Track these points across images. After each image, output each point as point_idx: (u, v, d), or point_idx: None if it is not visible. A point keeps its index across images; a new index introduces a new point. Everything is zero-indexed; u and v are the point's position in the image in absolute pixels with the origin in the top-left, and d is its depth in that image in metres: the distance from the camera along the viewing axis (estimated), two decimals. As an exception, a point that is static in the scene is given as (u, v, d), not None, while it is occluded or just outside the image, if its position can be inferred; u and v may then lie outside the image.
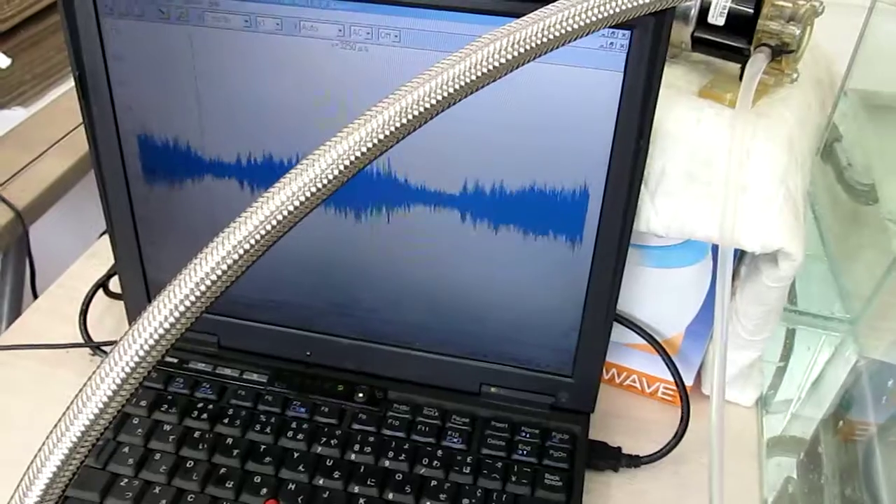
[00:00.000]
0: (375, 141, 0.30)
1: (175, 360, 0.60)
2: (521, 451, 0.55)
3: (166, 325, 0.26)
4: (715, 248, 0.51)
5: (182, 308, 0.27)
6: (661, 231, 0.49)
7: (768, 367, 0.62)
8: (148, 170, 0.55)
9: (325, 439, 0.55)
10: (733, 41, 0.48)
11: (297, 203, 0.29)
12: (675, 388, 0.59)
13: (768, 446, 0.57)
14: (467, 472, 0.53)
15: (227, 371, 0.60)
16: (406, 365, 0.58)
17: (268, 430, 0.56)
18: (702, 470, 0.57)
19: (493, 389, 0.58)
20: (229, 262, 0.28)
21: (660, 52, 0.44)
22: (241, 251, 0.29)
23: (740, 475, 0.57)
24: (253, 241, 0.29)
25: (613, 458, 0.56)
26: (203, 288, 0.27)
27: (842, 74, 0.58)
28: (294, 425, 0.56)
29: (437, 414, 0.57)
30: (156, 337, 0.26)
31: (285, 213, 0.29)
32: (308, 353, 0.59)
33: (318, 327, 0.59)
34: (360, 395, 0.58)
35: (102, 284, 0.66)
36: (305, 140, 0.50)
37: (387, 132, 0.31)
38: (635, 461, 0.56)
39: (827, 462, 0.50)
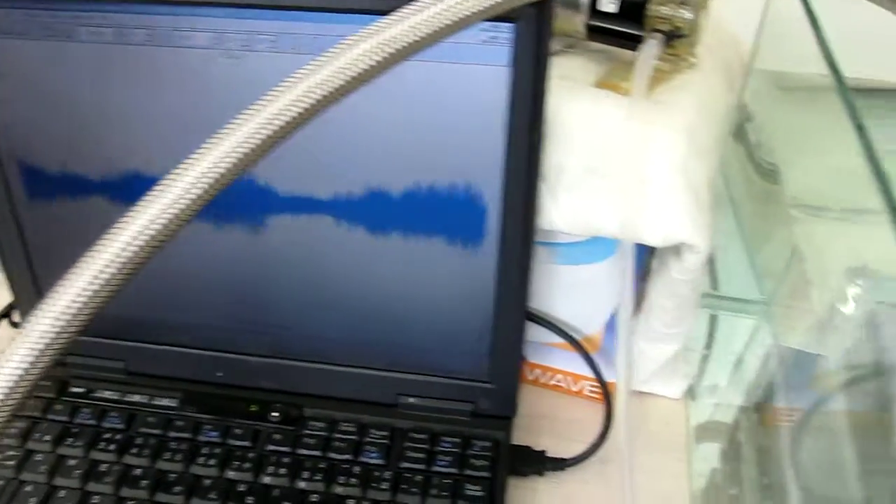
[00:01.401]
0: (236, 158, 0.29)
1: (82, 390, 0.58)
2: (441, 462, 0.53)
3: (24, 365, 0.24)
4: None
5: (41, 345, 0.25)
6: (564, 228, 0.48)
7: (696, 356, 0.60)
8: (33, 192, 0.52)
9: (238, 463, 0.53)
10: (626, 28, 0.46)
11: (157, 226, 0.28)
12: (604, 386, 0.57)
13: (696, 438, 0.56)
14: (385, 487, 0.51)
15: (137, 398, 0.57)
16: (321, 380, 0.56)
17: (178, 457, 0.53)
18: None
19: (411, 400, 0.56)
20: (84, 297, 0.26)
21: (545, 43, 0.43)
22: (97, 284, 0.27)
23: (668, 469, 0.55)
24: (109, 273, 0.27)
25: (538, 463, 0.55)
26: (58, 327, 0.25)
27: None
28: (206, 450, 0.54)
29: (354, 429, 0.55)
30: (14, 377, 0.24)
31: (146, 236, 0.28)
32: (219, 374, 0.57)
33: (227, 346, 0.56)
34: (275, 414, 0.56)
35: (6, 314, 0.63)
36: (190, 153, 0.48)
37: (248, 147, 0.29)
38: (560, 464, 0.54)
39: (747, 450, 0.49)
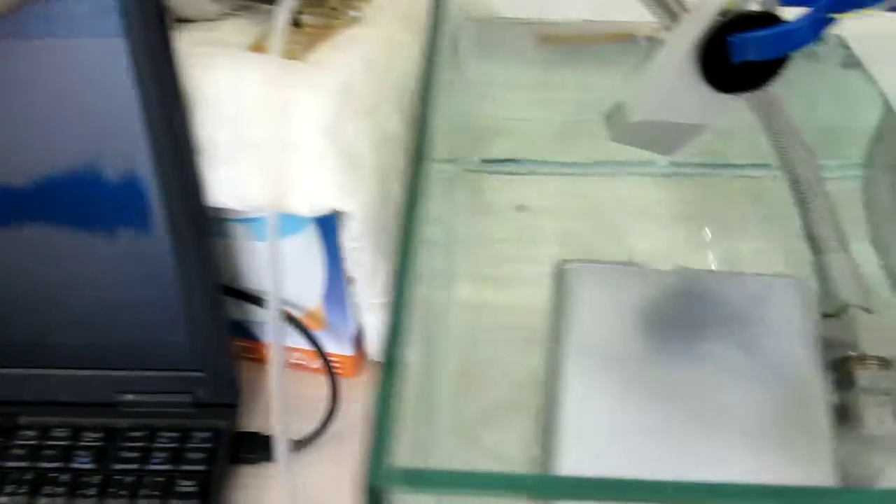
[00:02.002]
0: None
1: None
2: (156, 460, 0.50)
3: None
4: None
5: None
6: (231, 204, 0.45)
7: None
8: None
9: (-64, 485, 0.50)
10: (268, -15, 0.44)
11: None
12: (343, 360, 0.55)
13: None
14: (93, 493, 0.49)
15: None
16: (34, 385, 0.53)
17: None
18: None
19: (129, 397, 0.53)
20: None
21: (159, 7, 0.39)
22: None
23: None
24: None
25: (265, 448, 0.52)
26: None
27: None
28: None
29: (67, 434, 0.52)
30: None
31: None
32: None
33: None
34: (-16, 427, 0.52)
35: None
36: None
37: None
38: (290, 447, 0.52)
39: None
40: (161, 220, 0.45)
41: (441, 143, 0.46)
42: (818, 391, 0.38)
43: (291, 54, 0.43)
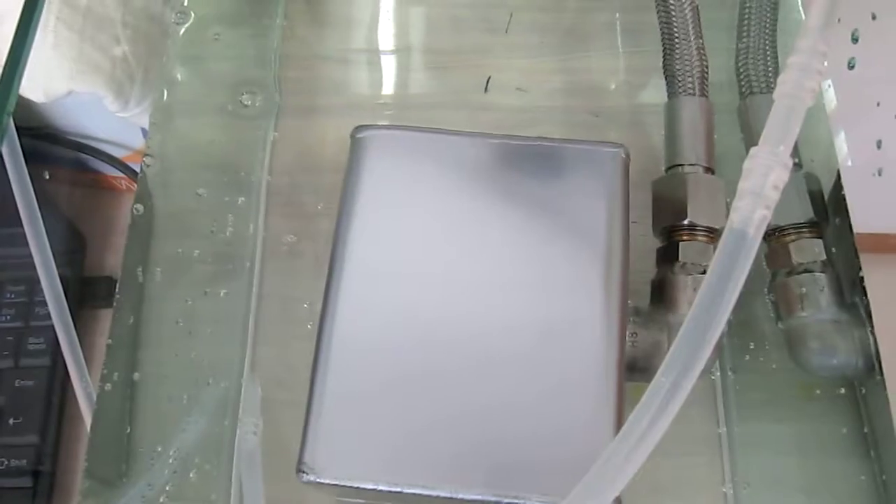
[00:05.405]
0: None
1: None
2: (2, 318, 0.49)
3: None
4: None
5: None
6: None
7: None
8: None
9: None
10: None
11: None
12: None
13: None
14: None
15: None
16: None
17: None
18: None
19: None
20: None
21: None
22: None
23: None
24: None
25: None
26: None
27: None
28: None
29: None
30: None
31: None
32: None
33: None
34: None
35: None
36: None
37: None
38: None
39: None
40: None
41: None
42: (614, 274, 0.33)
43: None
